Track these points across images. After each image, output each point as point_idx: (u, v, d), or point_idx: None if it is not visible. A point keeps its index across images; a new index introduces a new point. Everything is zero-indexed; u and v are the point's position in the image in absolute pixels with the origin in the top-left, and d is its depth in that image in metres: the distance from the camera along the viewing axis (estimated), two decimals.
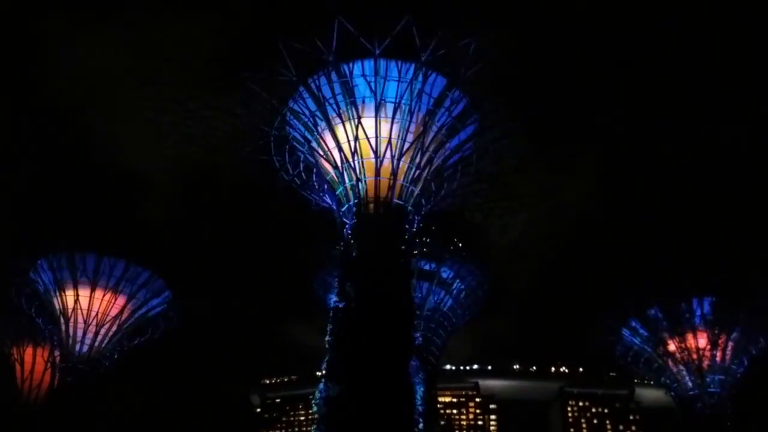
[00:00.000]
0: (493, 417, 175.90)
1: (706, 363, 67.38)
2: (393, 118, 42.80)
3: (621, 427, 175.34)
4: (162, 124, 45.98)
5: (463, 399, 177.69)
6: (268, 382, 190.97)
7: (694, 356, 67.89)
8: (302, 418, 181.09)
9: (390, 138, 42.71)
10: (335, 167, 43.75)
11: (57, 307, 63.55)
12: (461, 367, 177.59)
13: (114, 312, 64.48)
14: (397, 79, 42.30)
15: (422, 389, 42.07)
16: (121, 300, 64.98)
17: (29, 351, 71.95)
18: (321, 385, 38.29)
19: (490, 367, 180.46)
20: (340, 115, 43.21)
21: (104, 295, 63.96)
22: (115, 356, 66.62)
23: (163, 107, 44.83)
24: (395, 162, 42.67)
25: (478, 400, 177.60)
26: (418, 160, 43.35)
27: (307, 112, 43.98)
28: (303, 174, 47.47)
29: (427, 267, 64.56)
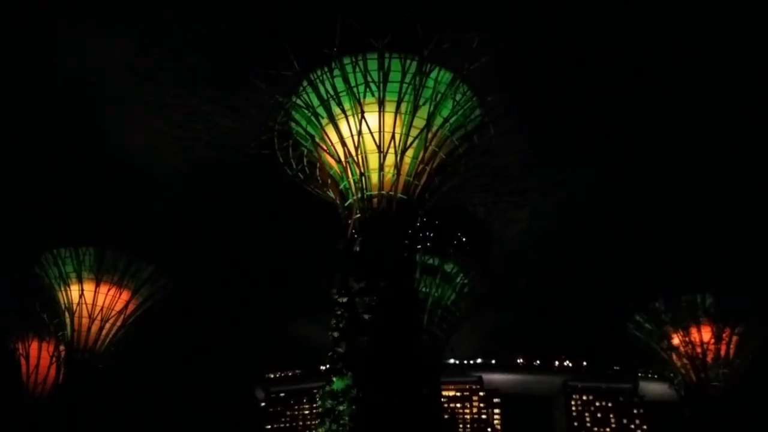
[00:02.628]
0: (496, 411, 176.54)
1: (710, 357, 67.42)
2: (396, 112, 42.74)
3: (625, 421, 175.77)
4: (164, 120, 45.90)
5: (467, 393, 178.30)
6: (272, 376, 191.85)
7: (698, 350, 67.92)
8: (306, 412, 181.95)
9: (393, 132, 42.67)
10: (339, 162, 43.74)
11: (62, 301, 63.78)
12: (465, 362, 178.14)
13: (119, 306, 64.73)
14: (401, 73, 42.21)
15: (426, 383, 42.12)
16: (125, 294, 65.18)
17: (34, 346, 72.30)
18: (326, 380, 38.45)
19: (493, 362, 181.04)
20: (343, 110, 43.16)
21: (109, 290, 64.19)
22: (120, 350, 66.88)
23: (165, 104, 44.70)
24: (399, 156, 42.64)
25: (481, 394, 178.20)
26: (421, 154, 43.32)
27: (310, 107, 43.95)
28: (306, 169, 47.47)
29: (430, 261, 64.63)
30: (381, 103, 42.50)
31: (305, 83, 43.45)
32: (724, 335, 67.44)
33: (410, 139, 42.89)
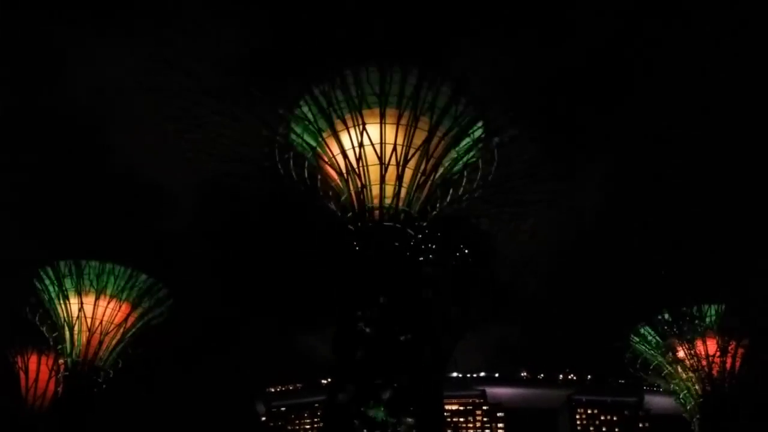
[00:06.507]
0: (500, 425, 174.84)
1: (715, 369, 66.69)
2: (398, 124, 42.55)
3: None
4: (167, 132, 45.94)
5: (470, 407, 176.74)
6: (273, 390, 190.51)
7: (704, 363, 67.21)
8: (308, 426, 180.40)
9: (395, 144, 42.47)
10: (340, 174, 43.52)
11: (61, 315, 63.47)
12: (468, 375, 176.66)
13: (118, 320, 64.35)
14: (402, 84, 42.06)
15: (428, 397, 41.64)
16: (125, 308, 64.85)
17: (33, 359, 71.94)
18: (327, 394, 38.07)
19: (497, 375, 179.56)
20: (344, 122, 43.01)
21: (108, 303, 63.86)
22: (120, 364, 66.47)
23: (168, 115, 44.71)
24: (400, 168, 42.41)
25: (485, 408, 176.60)
26: (423, 166, 43.07)
27: (311, 119, 43.81)
28: (308, 181, 47.25)
29: (433, 273, 64.11)
30: (382, 115, 42.36)
31: (306, 95, 43.35)
32: (729, 348, 66.76)
33: (412, 151, 42.68)
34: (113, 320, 64.02)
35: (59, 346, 64.94)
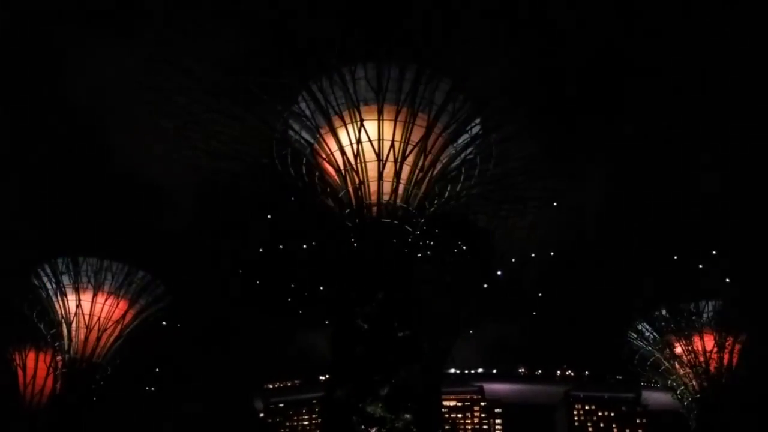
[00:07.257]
0: (498, 421, 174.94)
1: (713, 365, 66.90)
2: (396, 120, 42.48)
3: (627, 431, 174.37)
4: (167, 131, 45.83)
5: (468, 403, 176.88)
6: (271, 386, 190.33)
7: (701, 359, 67.43)
8: (306, 423, 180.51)
9: (393, 141, 42.40)
10: (338, 170, 43.46)
11: (59, 311, 63.42)
12: (466, 371, 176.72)
13: (116, 316, 64.33)
14: (399, 81, 41.96)
15: (427, 393, 41.70)
16: (123, 304, 64.84)
17: (31, 356, 71.89)
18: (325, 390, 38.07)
19: (495, 371, 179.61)
20: (342, 118, 42.92)
21: (106, 300, 63.84)
22: (117, 361, 66.44)
23: (167, 114, 44.61)
24: (398, 165, 42.35)
25: (483, 404, 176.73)
26: (421, 162, 43.02)
27: (308, 116, 43.71)
28: (305, 177, 47.16)
29: (430, 270, 64.13)
30: (380, 112, 42.26)
31: (304, 92, 43.24)
32: (727, 344, 66.97)
33: (409, 148, 42.61)
34: (111, 317, 64.03)
35: (57, 343, 64.88)
